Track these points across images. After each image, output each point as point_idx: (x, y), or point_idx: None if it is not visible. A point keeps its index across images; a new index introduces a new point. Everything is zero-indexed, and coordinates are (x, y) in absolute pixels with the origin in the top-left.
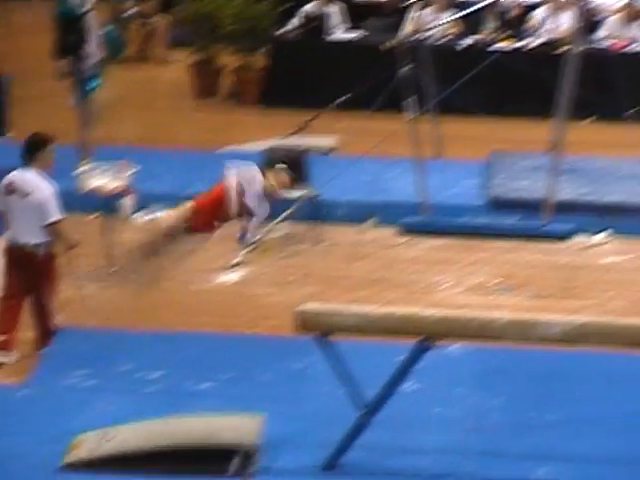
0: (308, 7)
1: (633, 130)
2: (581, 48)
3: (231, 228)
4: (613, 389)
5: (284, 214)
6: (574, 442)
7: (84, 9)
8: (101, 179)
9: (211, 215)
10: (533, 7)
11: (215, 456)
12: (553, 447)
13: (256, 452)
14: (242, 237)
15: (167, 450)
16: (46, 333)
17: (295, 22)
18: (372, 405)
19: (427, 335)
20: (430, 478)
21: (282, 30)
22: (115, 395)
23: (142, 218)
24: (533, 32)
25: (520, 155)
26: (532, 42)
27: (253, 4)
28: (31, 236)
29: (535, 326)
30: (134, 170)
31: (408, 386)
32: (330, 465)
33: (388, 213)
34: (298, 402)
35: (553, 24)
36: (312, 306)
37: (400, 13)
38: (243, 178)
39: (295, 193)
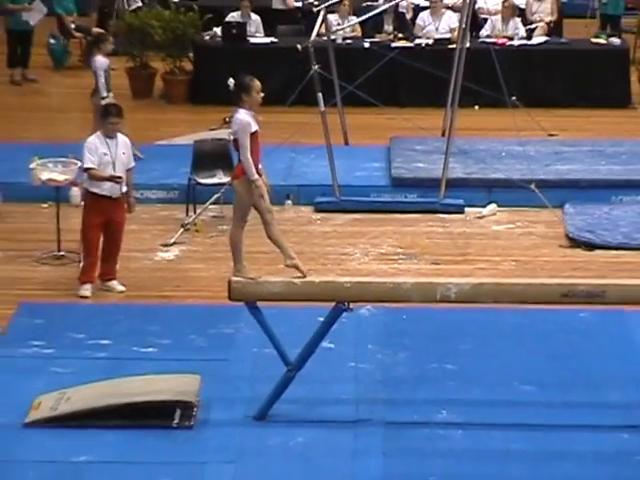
0: (231, 16)
1: (512, 115)
2: (467, 45)
3: (166, 212)
4: (501, 341)
5: (212, 198)
6: (468, 388)
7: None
8: (52, 172)
9: None
10: (423, 9)
11: (159, 411)
12: (451, 393)
13: (195, 407)
14: None
15: (118, 407)
16: None
17: (218, 30)
18: (295, 363)
19: (342, 299)
20: (347, 424)
21: (207, 36)
22: (69, 361)
23: None
24: (419, 33)
25: (416, 140)
26: (424, 41)
27: (179, 15)
28: None
29: (435, 288)
30: (79, 164)
31: (325, 344)
32: (261, 416)
33: (303, 194)
34: (230, 363)
35: (434, 25)
36: (241, 277)
37: (307, 19)
38: None
39: (222, 179)
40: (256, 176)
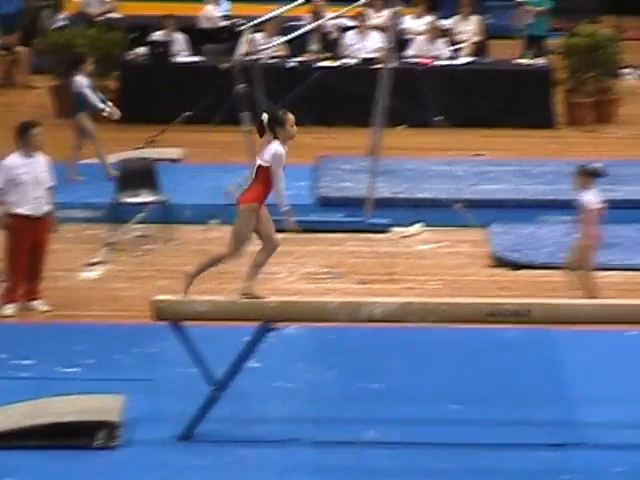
0: (155, 35)
1: (438, 135)
2: (393, 65)
3: (91, 231)
4: (428, 359)
5: (138, 217)
6: (396, 407)
7: None
8: None
9: None
10: (349, 29)
11: (82, 431)
12: (379, 412)
13: (119, 427)
14: None
15: (41, 428)
16: None
17: (143, 49)
18: (221, 382)
19: (268, 319)
20: (274, 444)
21: (132, 56)
22: None
23: None
24: (345, 52)
25: (343, 159)
26: (350, 61)
27: (105, 33)
28: None
29: (362, 308)
30: None
31: (252, 364)
32: (186, 436)
33: (229, 214)
34: (155, 382)
35: (360, 45)
36: (166, 297)
37: (234, 38)
38: None
39: (147, 198)
40: (289, 207)
